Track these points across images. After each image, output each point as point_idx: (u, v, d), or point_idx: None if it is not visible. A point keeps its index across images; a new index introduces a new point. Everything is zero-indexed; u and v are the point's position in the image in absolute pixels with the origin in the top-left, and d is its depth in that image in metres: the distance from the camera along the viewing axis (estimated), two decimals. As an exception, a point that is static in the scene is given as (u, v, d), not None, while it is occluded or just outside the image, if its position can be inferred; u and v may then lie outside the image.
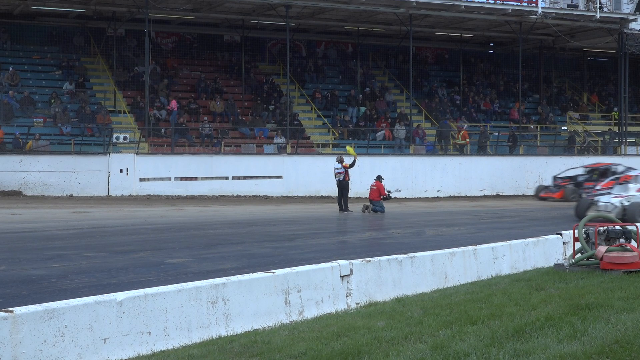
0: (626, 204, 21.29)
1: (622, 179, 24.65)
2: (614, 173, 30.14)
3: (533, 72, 43.59)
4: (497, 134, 37.35)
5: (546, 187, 32.36)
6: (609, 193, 22.81)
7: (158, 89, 33.80)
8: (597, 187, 25.00)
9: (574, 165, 36.08)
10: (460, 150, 35.40)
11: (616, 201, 21.42)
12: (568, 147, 37.90)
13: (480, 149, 36.10)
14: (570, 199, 29.77)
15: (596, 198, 22.43)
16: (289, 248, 15.06)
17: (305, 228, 19.58)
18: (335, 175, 25.41)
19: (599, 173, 31.44)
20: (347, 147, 27.88)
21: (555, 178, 32.50)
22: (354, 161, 25.68)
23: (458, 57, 41.14)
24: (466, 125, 37.39)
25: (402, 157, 33.69)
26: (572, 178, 32.03)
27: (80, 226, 18.82)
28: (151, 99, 32.05)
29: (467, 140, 35.47)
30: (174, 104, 32.44)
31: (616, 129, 39.96)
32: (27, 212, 22.30)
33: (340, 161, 25.43)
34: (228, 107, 34.36)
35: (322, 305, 9.31)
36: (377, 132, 35.50)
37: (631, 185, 22.81)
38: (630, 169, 30.64)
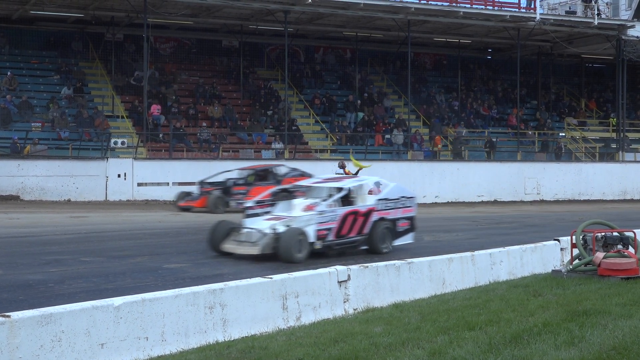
0: (280, 230, 14.59)
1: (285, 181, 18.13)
2: (275, 176, 25.44)
3: (531, 78, 43.64)
4: (495, 139, 37.38)
5: (188, 194, 25.99)
6: (267, 212, 15.92)
7: (167, 95, 33.84)
8: (252, 202, 16.62)
9: (568, 171, 36.16)
10: (434, 156, 35.33)
11: (266, 226, 14.82)
12: (540, 152, 37.42)
13: (456, 156, 35.96)
14: (214, 210, 24.44)
15: (244, 220, 15.72)
16: (287, 253, 15.00)
17: (303, 233, 19.50)
18: None
19: (257, 176, 25.98)
20: (352, 159, 26.71)
21: (201, 183, 26.16)
22: (358, 172, 25.39)
23: (456, 62, 41.18)
24: (465, 130, 37.44)
25: (400, 163, 33.70)
26: (221, 183, 25.87)
27: (77, 231, 18.80)
28: (149, 104, 32.05)
29: (439, 146, 35.47)
30: (154, 108, 32.30)
31: (614, 135, 40.01)
32: (25, 217, 22.27)
33: (342, 167, 25.26)
34: (226, 112, 34.36)
35: (319, 311, 9.31)
36: (390, 135, 35.55)
37: (297, 202, 15.85)
38: (295, 170, 25.75)
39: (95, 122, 31.13)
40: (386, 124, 36.71)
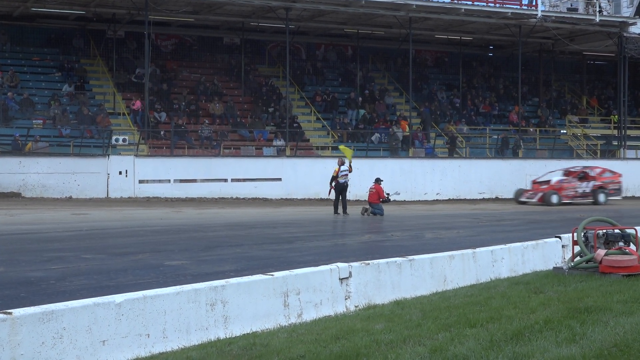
0: None
1: None
2: None
3: (532, 75, 43.63)
4: (496, 137, 37.38)
5: None
6: None
7: (179, 93, 33.87)
8: None
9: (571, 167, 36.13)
10: (404, 142, 35.18)
11: None
12: (500, 149, 37.11)
13: (450, 153, 35.79)
14: None
15: None
16: (288, 250, 15.05)
17: (304, 230, 19.57)
18: (340, 177, 24.81)
19: None
20: (341, 148, 26.83)
21: None
22: (350, 164, 25.24)
23: (458, 60, 41.17)
24: (466, 128, 37.40)
25: (401, 160, 33.71)
26: None
27: (79, 228, 18.81)
28: (151, 101, 32.06)
29: (407, 130, 35.42)
30: (138, 104, 32.27)
31: (615, 132, 39.98)
32: (26, 214, 22.28)
33: (342, 163, 25.16)
34: (227, 110, 34.37)
35: (321, 308, 9.30)
36: (375, 134, 35.49)
37: None
38: None
39: (97, 119, 31.14)
40: (387, 121, 36.71)
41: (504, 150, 36.74)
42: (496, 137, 37.39)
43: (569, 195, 31.61)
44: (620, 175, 33.66)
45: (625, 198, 36.14)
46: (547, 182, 31.97)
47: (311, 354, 6.77)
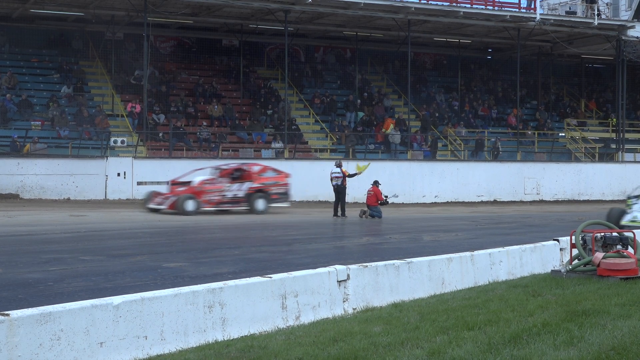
0: None
1: None
2: None
3: (531, 78, 43.66)
4: (493, 139, 37.39)
5: None
6: None
7: (176, 94, 33.82)
8: None
9: (568, 171, 36.19)
10: (401, 144, 35.15)
11: None
12: (476, 151, 37.01)
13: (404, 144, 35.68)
14: None
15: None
16: (286, 253, 15.06)
17: (302, 233, 19.57)
18: (332, 180, 25.06)
19: None
20: (359, 166, 26.68)
21: None
22: (355, 174, 25.53)
23: (456, 62, 41.19)
24: (465, 130, 37.40)
25: (399, 163, 33.72)
26: None
27: (77, 229, 18.81)
28: (150, 103, 32.05)
29: (391, 129, 35.23)
30: (139, 108, 32.20)
31: (614, 135, 40.02)
32: (24, 215, 22.27)
33: (339, 165, 25.25)
34: (226, 112, 34.37)
35: (319, 310, 9.29)
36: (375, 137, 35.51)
37: None
38: None
39: (95, 120, 31.14)
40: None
41: (478, 152, 36.61)
42: (493, 139, 37.43)
43: (213, 200, 24.74)
44: (287, 176, 26.61)
45: (623, 201, 36.05)
46: (188, 183, 25.16)
47: (309, 357, 6.77)
